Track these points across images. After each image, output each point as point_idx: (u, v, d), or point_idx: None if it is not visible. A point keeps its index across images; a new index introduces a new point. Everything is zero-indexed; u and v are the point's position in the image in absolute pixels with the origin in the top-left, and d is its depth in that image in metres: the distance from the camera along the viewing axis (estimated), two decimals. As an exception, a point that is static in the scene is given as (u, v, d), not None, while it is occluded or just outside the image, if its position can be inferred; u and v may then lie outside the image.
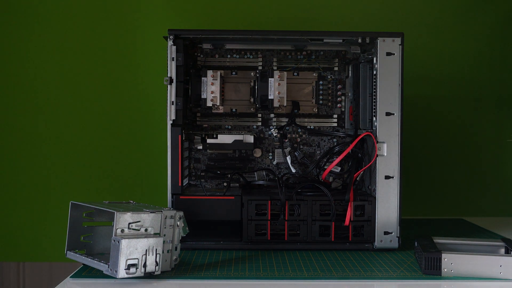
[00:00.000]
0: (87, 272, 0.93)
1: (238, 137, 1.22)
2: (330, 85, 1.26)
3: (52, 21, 1.47)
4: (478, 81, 1.53)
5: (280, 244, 1.10)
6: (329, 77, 1.26)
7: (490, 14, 1.52)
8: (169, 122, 1.09)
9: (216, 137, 1.22)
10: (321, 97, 1.26)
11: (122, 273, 0.85)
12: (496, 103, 1.53)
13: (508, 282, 0.90)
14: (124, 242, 0.85)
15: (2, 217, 1.48)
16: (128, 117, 1.48)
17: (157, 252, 0.88)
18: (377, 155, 1.08)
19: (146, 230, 0.89)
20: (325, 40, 1.16)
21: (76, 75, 1.47)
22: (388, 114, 1.08)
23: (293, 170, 1.23)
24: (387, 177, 1.08)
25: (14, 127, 1.48)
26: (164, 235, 0.92)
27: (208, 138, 1.22)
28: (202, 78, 1.17)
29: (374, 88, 1.10)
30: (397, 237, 1.09)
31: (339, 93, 1.26)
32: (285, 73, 1.19)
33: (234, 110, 1.25)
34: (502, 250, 1.00)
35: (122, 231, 0.87)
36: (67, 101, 1.47)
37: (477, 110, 1.53)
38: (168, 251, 0.93)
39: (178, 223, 0.95)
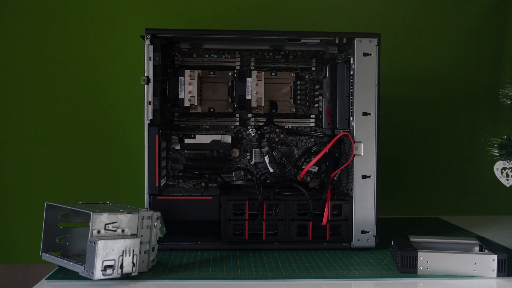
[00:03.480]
0: (63, 274, 0.92)
1: (216, 137, 1.21)
2: (307, 85, 1.27)
3: (27, 19, 1.44)
4: (454, 81, 1.55)
5: (258, 244, 1.10)
6: (306, 77, 1.26)
7: (466, 16, 1.54)
8: (146, 122, 1.08)
9: (194, 137, 1.21)
10: (298, 97, 1.26)
11: (98, 274, 0.84)
12: (471, 102, 1.56)
13: (482, 279, 0.92)
14: (100, 243, 0.84)
15: (-24, 219, 1.46)
16: (104, 117, 1.47)
17: (134, 253, 0.88)
18: (354, 155, 1.09)
19: (123, 231, 0.89)
20: (302, 40, 1.16)
21: (50, 75, 1.45)
22: (365, 114, 1.09)
23: (271, 170, 1.23)
24: (364, 177, 1.09)
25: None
26: (141, 236, 0.91)
27: (185, 138, 1.22)
28: (180, 78, 1.17)
29: (351, 88, 1.11)
30: (374, 236, 1.09)
31: (316, 93, 1.26)
32: (263, 73, 1.19)
33: (212, 110, 1.25)
34: (477, 248, 1.02)
35: (99, 232, 0.86)
36: (42, 101, 1.45)
37: (452, 109, 1.55)
38: (145, 252, 0.92)
39: (156, 223, 0.94)
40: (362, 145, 1.09)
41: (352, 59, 1.10)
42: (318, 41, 1.16)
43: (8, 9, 1.44)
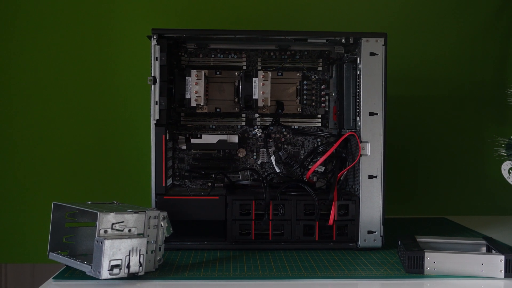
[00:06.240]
0: (70, 273, 0.93)
1: (223, 137, 1.21)
2: (314, 85, 1.26)
3: (32, 19, 1.45)
4: (460, 81, 1.54)
5: (265, 244, 1.10)
6: (313, 77, 1.26)
7: (472, 15, 1.53)
8: (153, 122, 1.08)
9: (200, 137, 1.21)
10: (305, 97, 1.26)
11: (105, 274, 0.84)
12: (478, 102, 1.55)
13: (489, 280, 0.91)
14: (107, 243, 0.84)
15: (-16, 218, 1.46)
16: (111, 117, 1.47)
17: (141, 253, 0.88)
18: (360, 155, 1.09)
19: (129, 230, 0.89)
20: (309, 40, 1.16)
21: (57, 75, 1.46)
22: (371, 114, 1.09)
23: (277, 170, 1.23)
24: (370, 177, 1.09)
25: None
26: (148, 236, 0.91)
27: (192, 138, 1.22)
28: (186, 78, 1.17)
29: (358, 88, 1.11)
30: (380, 236, 1.09)
31: (323, 93, 1.26)
32: (269, 73, 1.19)
33: (218, 110, 1.25)
34: (484, 249, 1.01)
35: (105, 231, 0.86)
36: (49, 101, 1.46)
37: (459, 110, 1.55)
38: (152, 252, 0.92)
39: (162, 223, 0.94)
40: (368, 145, 1.09)
41: (358, 58, 1.10)
42: (325, 41, 1.16)
43: (13, 10, 1.45)
